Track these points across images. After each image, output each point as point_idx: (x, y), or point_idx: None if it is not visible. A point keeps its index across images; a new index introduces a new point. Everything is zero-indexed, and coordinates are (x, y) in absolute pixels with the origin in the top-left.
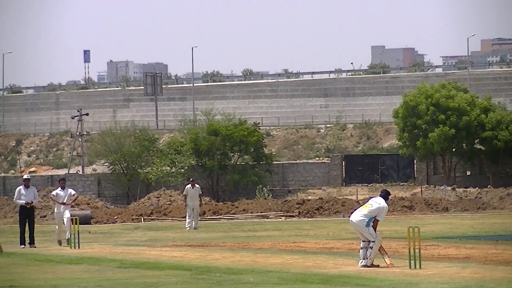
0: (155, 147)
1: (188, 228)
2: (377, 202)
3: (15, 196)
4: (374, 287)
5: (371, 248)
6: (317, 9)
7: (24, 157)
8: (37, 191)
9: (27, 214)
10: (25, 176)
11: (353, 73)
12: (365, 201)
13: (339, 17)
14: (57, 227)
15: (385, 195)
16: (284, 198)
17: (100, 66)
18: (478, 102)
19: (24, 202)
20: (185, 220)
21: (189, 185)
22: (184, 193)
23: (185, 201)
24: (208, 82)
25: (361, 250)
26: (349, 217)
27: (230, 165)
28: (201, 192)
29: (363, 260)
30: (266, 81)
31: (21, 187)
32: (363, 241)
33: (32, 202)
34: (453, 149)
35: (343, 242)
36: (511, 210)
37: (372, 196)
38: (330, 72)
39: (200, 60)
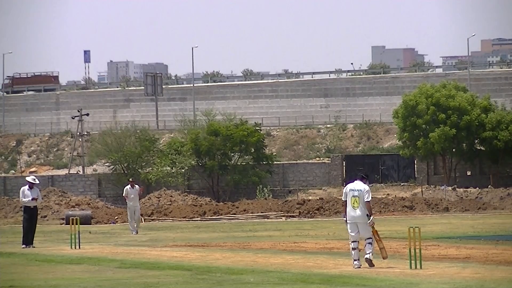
0: (156, 147)
1: (135, 233)
2: (358, 188)
3: (20, 197)
4: (374, 287)
5: (370, 243)
6: (317, 9)
7: (24, 157)
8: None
9: (31, 215)
10: (29, 179)
11: (353, 73)
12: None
13: (339, 17)
14: None
15: (362, 177)
16: (285, 198)
17: (101, 66)
18: (478, 102)
19: (30, 198)
20: (128, 223)
21: (128, 186)
22: (123, 194)
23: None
24: (208, 82)
25: (354, 251)
26: (345, 217)
27: (231, 165)
28: (141, 193)
29: (368, 254)
30: (266, 81)
31: (25, 187)
32: (353, 241)
33: (37, 197)
34: (454, 149)
35: (343, 242)
36: (511, 210)
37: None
38: (330, 72)
39: (200, 60)
